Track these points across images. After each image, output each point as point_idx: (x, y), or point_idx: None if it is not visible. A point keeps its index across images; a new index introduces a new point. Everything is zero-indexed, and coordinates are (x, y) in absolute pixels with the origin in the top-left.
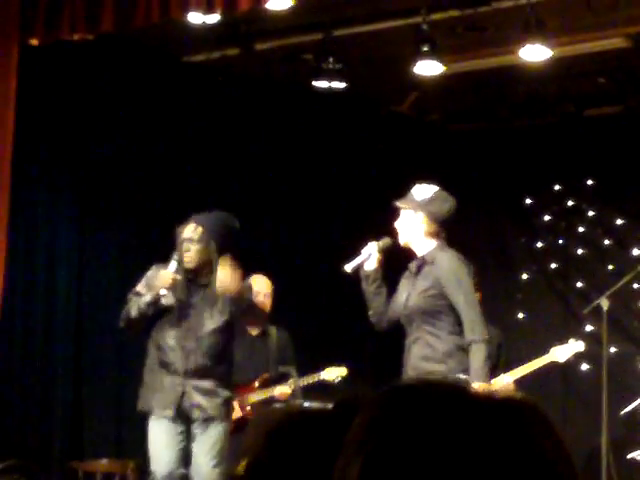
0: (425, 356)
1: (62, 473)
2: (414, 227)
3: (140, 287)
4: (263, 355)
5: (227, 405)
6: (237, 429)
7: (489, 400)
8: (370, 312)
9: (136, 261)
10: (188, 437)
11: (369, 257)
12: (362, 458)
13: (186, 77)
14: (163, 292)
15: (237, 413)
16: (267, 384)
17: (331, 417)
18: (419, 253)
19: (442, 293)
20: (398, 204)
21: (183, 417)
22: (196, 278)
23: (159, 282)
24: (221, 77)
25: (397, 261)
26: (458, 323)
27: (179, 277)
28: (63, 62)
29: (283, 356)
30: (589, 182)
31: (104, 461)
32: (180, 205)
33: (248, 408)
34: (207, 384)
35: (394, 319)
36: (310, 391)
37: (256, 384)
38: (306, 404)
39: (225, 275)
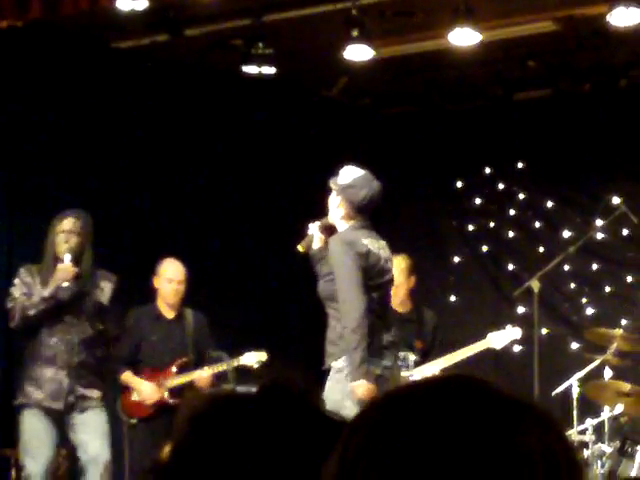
0: (328, 339)
1: None
2: (335, 209)
3: (18, 290)
4: (179, 338)
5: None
6: (155, 413)
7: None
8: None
9: None
10: (61, 427)
11: (312, 237)
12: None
13: (115, 63)
14: (65, 284)
15: (155, 397)
16: (185, 368)
17: (256, 401)
18: None
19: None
20: (329, 182)
21: (64, 409)
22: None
23: (60, 275)
24: (150, 63)
25: None
26: None
27: (76, 270)
28: None
29: (199, 339)
30: (519, 165)
31: None
32: (108, 192)
33: (166, 393)
34: (89, 374)
35: None
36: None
37: (174, 368)
38: (237, 389)
39: None
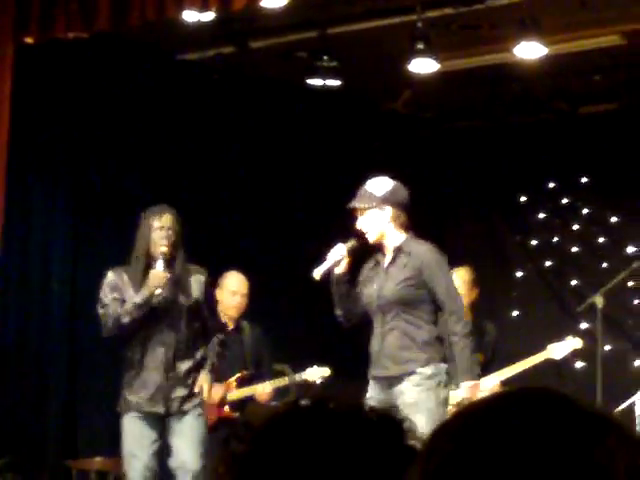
0: (404, 345)
1: (56, 471)
2: (384, 223)
3: (108, 295)
4: (238, 352)
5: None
6: (215, 427)
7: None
8: (338, 312)
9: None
10: (162, 432)
11: (338, 260)
12: None
13: (180, 75)
14: (158, 292)
15: (219, 395)
16: (244, 382)
17: (304, 413)
18: (392, 245)
19: (421, 283)
20: (359, 205)
21: (164, 412)
22: (167, 267)
23: (154, 282)
24: (216, 75)
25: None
26: (434, 313)
27: (168, 275)
28: (58, 60)
29: (258, 352)
30: (583, 180)
31: (98, 459)
32: (173, 201)
33: (226, 407)
34: (189, 376)
35: (361, 312)
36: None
37: (234, 382)
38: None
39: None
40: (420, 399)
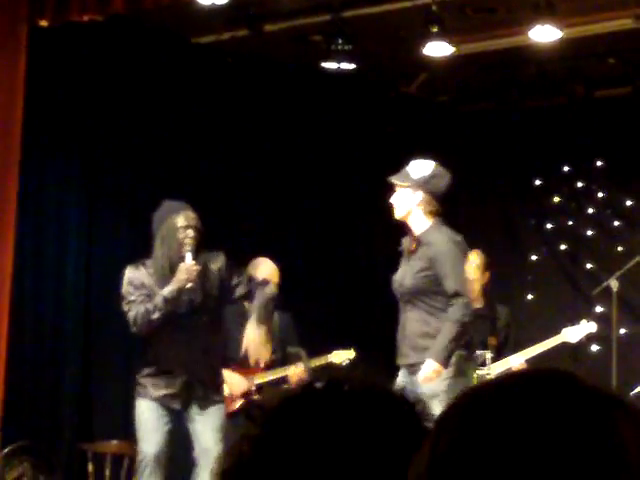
0: (423, 333)
1: (71, 454)
2: (412, 205)
3: (132, 292)
4: None
5: (222, 386)
6: (241, 410)
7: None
8: None
9: (145, 243)
10: (179, 419)
11: None
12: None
13: (195, 58)
14: (190, 285)
15: (244, 387)
16: (273, 366)
17: (317, 395)
18: (415, 231)
19: (436, 274)
20: (395, 181)
21: (183, 408)
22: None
23: (187, 276)
24: (230, 58)
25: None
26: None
27: (199, 267)
28: (72, 43)
29: (285, 338)
30: (599, 163)
31: (113, 442)
32: (188, 185)
33: (254, 389)
34: (210, 372)
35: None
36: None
37: (262, 365)
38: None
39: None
40: (439, 388)
